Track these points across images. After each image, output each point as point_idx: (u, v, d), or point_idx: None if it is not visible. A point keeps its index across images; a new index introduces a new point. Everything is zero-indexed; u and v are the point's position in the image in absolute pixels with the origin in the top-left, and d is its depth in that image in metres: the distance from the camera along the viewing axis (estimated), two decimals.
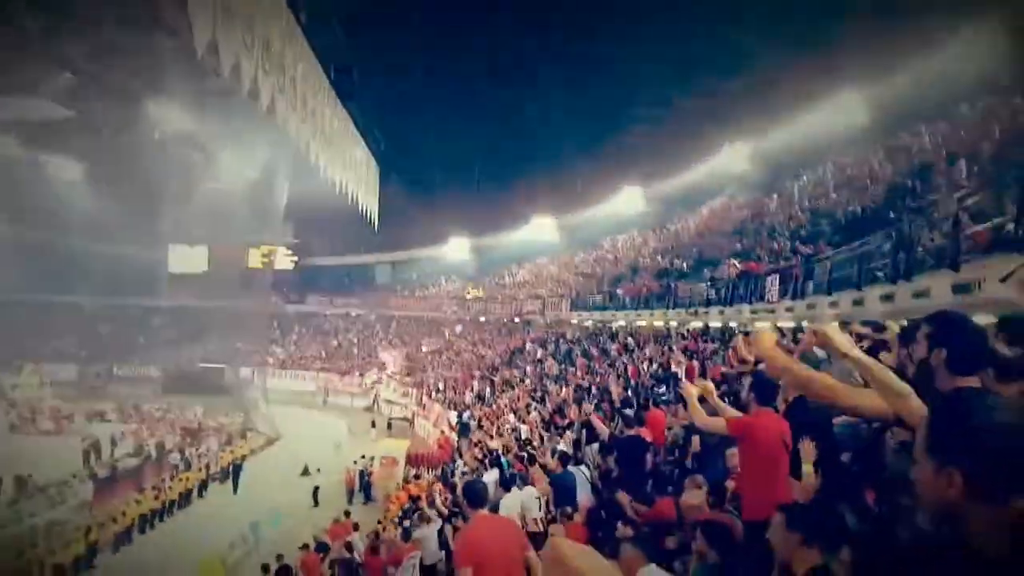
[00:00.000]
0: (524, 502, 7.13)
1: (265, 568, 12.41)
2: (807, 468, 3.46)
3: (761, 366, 4.28)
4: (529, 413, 18.01)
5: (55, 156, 36.10)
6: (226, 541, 16.56)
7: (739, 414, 4.10)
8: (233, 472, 23.52)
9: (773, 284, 14.77)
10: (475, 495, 4.00)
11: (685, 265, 24.97)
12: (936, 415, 1.32)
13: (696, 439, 6.45)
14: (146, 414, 32.38)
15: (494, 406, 23.68)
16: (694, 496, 4.79)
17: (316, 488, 21.57)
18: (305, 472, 23.84)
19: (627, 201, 39.48)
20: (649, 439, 7.25)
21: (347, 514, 16.83)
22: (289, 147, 28.91)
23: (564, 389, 19.32)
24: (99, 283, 43.13)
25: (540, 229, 45.10)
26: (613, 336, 24.05)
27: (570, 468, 7.73)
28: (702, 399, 4.37)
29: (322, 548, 13.46)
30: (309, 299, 51.75)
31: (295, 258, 49.66)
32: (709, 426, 4.18)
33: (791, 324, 13.57)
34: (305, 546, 13.68)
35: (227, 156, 36.37)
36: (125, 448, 25.64)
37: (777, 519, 2.82)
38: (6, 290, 40.82)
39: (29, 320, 43.13)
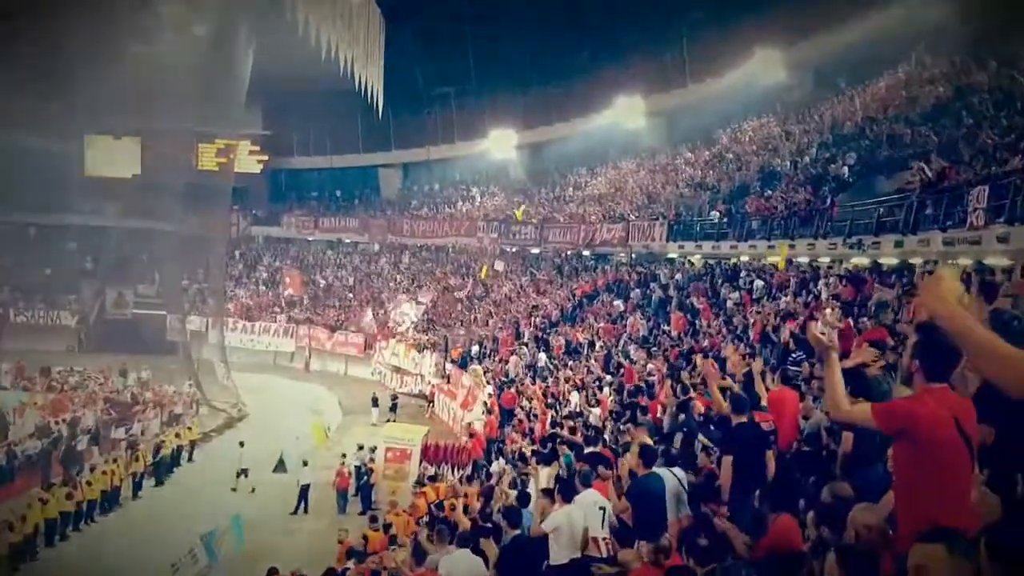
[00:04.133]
0: (579, 516, 7.19)
1: None
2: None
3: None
4: (601, 390, 18.14)
5: None
6: (168, 560, 17.28)
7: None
8: (174, 463, 24.49)
9: (980, 200, 14.34)
10: None
11: (846, 169, 24.24)
12: None
13: (848, 436, 6.37)
14: (56, 379, 33.82)
15: (550, 380, 23.87)
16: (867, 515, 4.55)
17: (305, 488, 22.24)
18: (280, 466, 24.65)
19: (758, 71, 37.96)
20: (767, 428, 7.22)
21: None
22: None
23: (653, 358, 19.35)
24: None
25: (625, 115, 43.26)
26: (731, 278, 23.77)
27: (656, 469, 7.71)
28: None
29: None
30: (284, 219, 52.83)
31: (264, 158, 50.28)
32: (845, 415, 3.94)
33: (1005, 263, 13.15)
34: (273, 570, 14.20)
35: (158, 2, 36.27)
36: (26, 427, 26.78)
37: (916, 552, 2.74)
38: None
39: None
